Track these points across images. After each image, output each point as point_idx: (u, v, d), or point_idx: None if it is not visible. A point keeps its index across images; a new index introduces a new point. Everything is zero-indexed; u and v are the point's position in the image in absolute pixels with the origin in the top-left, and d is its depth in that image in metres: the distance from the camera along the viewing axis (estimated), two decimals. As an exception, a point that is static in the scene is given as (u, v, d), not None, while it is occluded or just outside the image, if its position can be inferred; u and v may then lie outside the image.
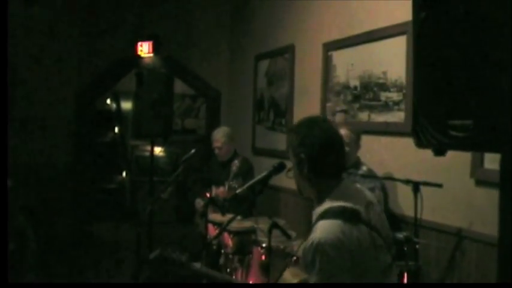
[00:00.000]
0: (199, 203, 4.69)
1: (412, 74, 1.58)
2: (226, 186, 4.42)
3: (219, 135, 4.90)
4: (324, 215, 1.98)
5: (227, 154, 4.90)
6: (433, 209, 3.17)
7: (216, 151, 4.90)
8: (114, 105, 8.80)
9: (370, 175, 3.49)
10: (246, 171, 4.74)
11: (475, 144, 1.33)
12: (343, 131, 3.48)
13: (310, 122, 2.15)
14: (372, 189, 3.34)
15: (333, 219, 1.95)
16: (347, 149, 3.43)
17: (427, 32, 1.42)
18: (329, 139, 2.08)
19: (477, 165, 3.01)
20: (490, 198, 2.80)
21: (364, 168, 3.59)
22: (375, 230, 2.00)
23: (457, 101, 1.32)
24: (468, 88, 1.30)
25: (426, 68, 1.44)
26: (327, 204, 2.02)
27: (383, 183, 3.52)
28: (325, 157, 2.06)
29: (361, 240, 1.93)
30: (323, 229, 1.94)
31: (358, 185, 2.25)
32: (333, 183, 2.07)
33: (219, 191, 4.52)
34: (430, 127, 1.39)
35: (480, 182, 3.02)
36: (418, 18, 1.43)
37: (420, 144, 1.45)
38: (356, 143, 3.61)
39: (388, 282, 2.02)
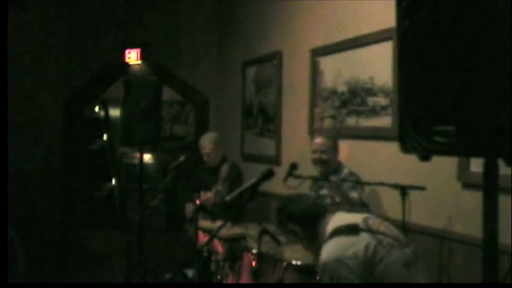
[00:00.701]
0: (189, 207, 4.69)
1: (397, 81, 1.61)
2: (214, 191, 4.43)
3: (206, 141, 4.92)
4: (327, 239, 2.21)
5: (216, 159, 4.91)
6: (421, 212, 3.21)
7: (205, 157, 4.92)
8: (102, 113, 8.77)
9: (351, 179, 3.54)
10: (235, 177, 4.76)
11: (458, 150, 1.37)
12: (318, 139, 3.61)
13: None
14: (353, 187, 3.42)
15: (333, 238, 2.16)
16: (325, 156, 3.54)
17: (410, 40, 1.45)
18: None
19: (463, 168, 3.05)
20: (477, 200, 2.83)
21: (346, 171, 3.65)
22: (379, 233, 2.16)
23: (441, 108, 1.35)
24: (451, 94, 1.33)
25: (410, 75, 1.47)
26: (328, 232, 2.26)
27: (359, 178, 3.56)
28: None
29: (368, 245, 2.10)
30: (325, 251, 2.16)
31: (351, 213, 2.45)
32: (326, 220, 2.33)
33: (206, 197, 4.52)
34: (415, 133, 1.42)
35: (467, 185, 3.07)
36: (402, 26, 1.46)
37: (406, 149, 1.48)
38: (333, 149, 3.70)
39: (412, 274, 2.14)
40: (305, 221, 2.38)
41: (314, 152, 3.69)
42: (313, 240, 2.36)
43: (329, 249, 2.13)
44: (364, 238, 2.10)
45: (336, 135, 3.84)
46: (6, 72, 3.32)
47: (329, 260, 2.09)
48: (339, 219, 2.30)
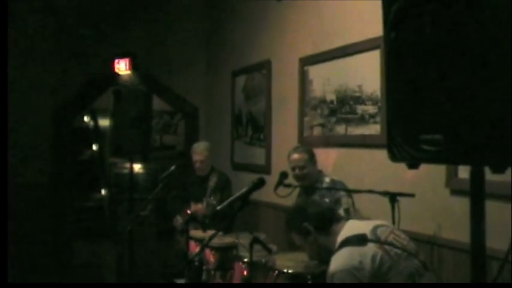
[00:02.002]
0: (178, 220, 4.68)
1: (385, 90, 1.64)
2: (205, 203, 4.42)
3: (201, 148, 4.91)
4: (336, 249, 2.25)
5: (206, 169, 4.91)
6: (411, 219, 3.23)
7: (198, 164, 4.87)
8: (91, 123, 8.76)
9: (334, 187, 3.58)
10: (224, 186, 4.76)
11: (446, 158, 1.39)
12: (294, 156, 3.77)
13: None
14: (337, 201, 3.47)
15: (342, 249, 2.21)
16: (304, 171, 3.70)
17: (397, 50, 1.48)
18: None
19: (452, 175, 3.09)
20: (465, 206, 2.86)
21: (327, 180, 3.69)
22: (388, 243, 2.20)
23: (428, 116, 1.38)
24: (438, 104, 1.36)
25: (398, 85, 1.49)
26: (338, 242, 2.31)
27: (346, 188, 3.59)
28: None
29: (375, 255, 2.14)
30: (334, 261, 2.20)
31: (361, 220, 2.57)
32: (339, 227, 2.39)
33: (197, 208, 4.52)
34: (403, 142, 1.44)
35: (455, 192, 3.10)
36: (389, 38, 1.49)
37: (394, 158, 1.50)
38: (311, 161, 3.78)
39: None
40: (321, 223, 2.42)
41: (293, 169, 3.77)
42: (323, 244, 2.39)
43: (337, 260, 2.18)
44: (371, 248, 2.15)
45: (311, 147, 3.94)
46: (6, 73, 3.30)
47: (336, 270, 2.14)
48: (350, 227, 2.35)
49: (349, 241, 2.22)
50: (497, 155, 1.24)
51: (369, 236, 2.21)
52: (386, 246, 2.17)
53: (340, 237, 2.30)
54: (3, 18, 3.21)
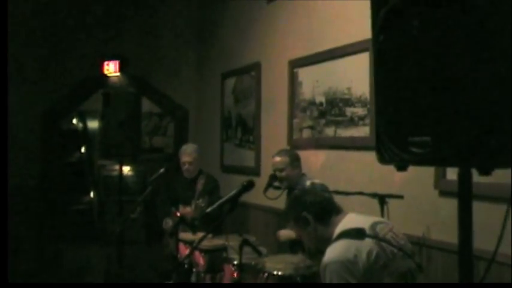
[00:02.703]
0: (167, 223, 4.67)
1: (373, 93, 1.65)
2: (193, 206, 4.41)
3: (190, 150, 4.88)
4: (333, 240, 2.24)
5: (195, 171, 4.89)
6: (400, 220, 3.24)
7: (186, 166, 4.83)
8: (80, 125, 8.72)
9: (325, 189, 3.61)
10: (212, 188, 4.75)
11: (434, 160, 1.41)
12: (276, 159, 3.93)
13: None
14: None
15: (339, 240, 2.20)
16: (283, 174, 3.82)
17: (386, 54, 1.49)
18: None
19: (440, 176, 3.11)
20: (454, 208, 2.88)
21: (308, 183, 3.72)
22: (385, 241, 2.20)
23: (416, 119, 1.39)
24: (426, 106, 1.37)
25: (386, 88, 1.50)
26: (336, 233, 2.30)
27: (326, 188, 3.62)
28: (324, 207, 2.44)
29: (371, 251, 2.14)
30: (329, 252, 2.19)
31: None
32: (339, 218, 2.38)
33: (185, 211, 4.50)
34: (391, 144, 1.45)
35: (444, 193, 3.12)
36: (377, 41, 1.50)
37: (383, 160, 1.51)
38: (292, 165, 3.85)
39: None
40: (320, 213, 2.39)
41: (274, 171, 3.88)
42: (321, 234, 2.37)
43: (333, 251, 2.17)
44: (368, 243, 2.14)
45: (295, 151, 4.02)
46: (6, 73, 3.28)
47: (331, 261, 2.13)
48: (349, 220, 2.34)
49: (347, 233, 2.21)
50: (484, 158, 1.26)
51: (368, 231, 2.20)
52: (383, 244, 2.17)
53: (339, 229, 2.29)
54: (3, 18, 3.18)
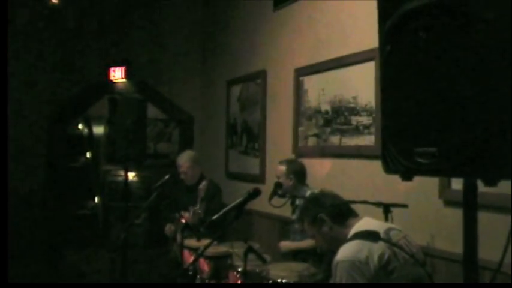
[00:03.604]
0: (169, 228, 4.68)
1: (379, 103, 1.66)
2: (191, 212, 4.41)
3: (183, 160, 4.91)
4: (347, 240, 2.26)
5: (193, 178, 4.89)
6: (404, 230, 3.24)
7: (182, 176, 4.89)
8: (86, 130, 8.75)
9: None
10: (213, 194, 4.76)
11: (439, 170, 1.41)
12: (277, 167, 4.03)
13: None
14: None
15: (352, 241, 2.22)
16: (279, 180, 3.97)
17: (392, 63, 1.50)
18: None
19: (445, 186, 3.11)
20: (458, 217, 2.88)
21: (307, 193, 3.75)
22: (397, 246, 2.22)
23: (422, 129, 1.40)
24: (432, 116, 1.38)
25: (392, 98, 1.51)
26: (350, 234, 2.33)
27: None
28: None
29: (383, 254, 2.15)
30: (342, 250, 2.21)
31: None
32: (354, 221, 2.41)
33: (183, 217, 4.51)
34: (397, 154, 1.46)
35: (448, 203, 3.12)
36: (384, 51, 1.51)
37: (388, 170, 1.52)
38: (287, 176, 3.95)
39: None
40: (338, 214, 2.42)
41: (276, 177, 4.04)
42: (336, 235, 2.38)
43: (345, 250, 2.19)
44: (380, 247, 2.16)
45: (301, 163, 4.11)
46: (6, 74, 3.30)
47: (343, 259, 2.14)
48: (365, 223, 2.37)
49: (361, 235, 2.23)
50: (490, 169, 1.26)
51: (382, 235, 2.22)
52: (396, 249, 2.19)
53: (354, 230, 2.31)
54: (3, 19, 3.20)
